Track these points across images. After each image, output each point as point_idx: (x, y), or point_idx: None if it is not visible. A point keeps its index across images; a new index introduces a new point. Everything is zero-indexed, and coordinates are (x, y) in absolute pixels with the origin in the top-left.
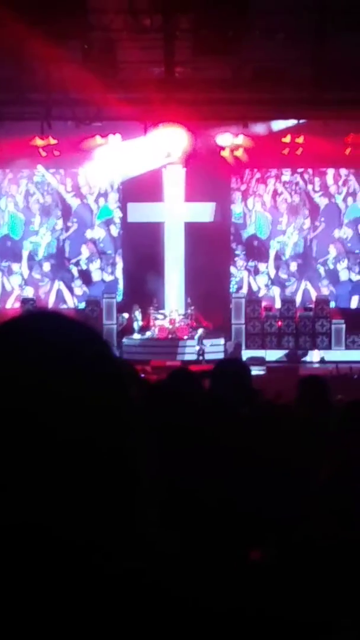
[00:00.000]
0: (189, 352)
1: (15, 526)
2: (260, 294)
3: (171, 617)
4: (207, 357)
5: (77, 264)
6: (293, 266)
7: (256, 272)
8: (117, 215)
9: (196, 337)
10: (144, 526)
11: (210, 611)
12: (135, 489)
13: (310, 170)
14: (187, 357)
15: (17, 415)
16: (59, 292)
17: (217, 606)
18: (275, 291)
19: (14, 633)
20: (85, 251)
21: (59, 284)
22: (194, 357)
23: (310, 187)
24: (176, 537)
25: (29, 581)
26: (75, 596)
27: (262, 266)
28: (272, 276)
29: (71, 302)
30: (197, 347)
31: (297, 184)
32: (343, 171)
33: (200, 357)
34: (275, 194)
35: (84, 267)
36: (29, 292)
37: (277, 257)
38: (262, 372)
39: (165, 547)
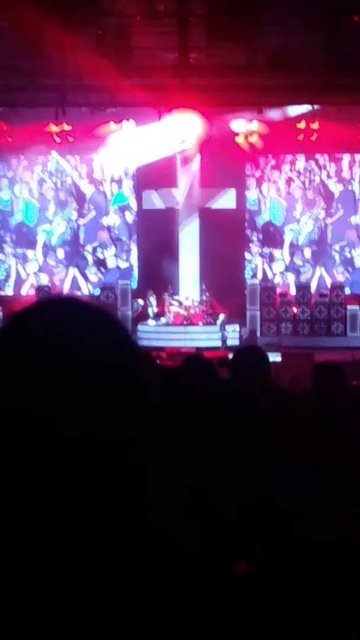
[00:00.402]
0: (204, 338)
1: (29, 527)
2: (275, 281)
3: (187, 613)
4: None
5: (92, 250)
6: (308, 252)
7: (271, 258)
8: (132, 201)
9: (218, 323)
10: (159, 520)
11: (226, 610)
12: (149, 480)
13: (325, 156)
14: (202, 344)
15: (37, 404)
16: (73, 279)
17: (232, 604)
18: (290, 278)
19: (29, 631)
20: (100, 237)
21: (73, 271)
22: (209, 343)
23: (325, 173)
24: (192, 529)
25: (43, 580)
26: (86, 594)
27: (277, 253)
28: (287, 263)
29: (86, 289)
30: (220, 334)
31: (311, 171)
32: (358, 157)
33: (223, 344)
34: (290, 180)
35: (99, 254)
36: (43, 279)
37: (292, 243)
38: (278, 359)
39: (180, 540)
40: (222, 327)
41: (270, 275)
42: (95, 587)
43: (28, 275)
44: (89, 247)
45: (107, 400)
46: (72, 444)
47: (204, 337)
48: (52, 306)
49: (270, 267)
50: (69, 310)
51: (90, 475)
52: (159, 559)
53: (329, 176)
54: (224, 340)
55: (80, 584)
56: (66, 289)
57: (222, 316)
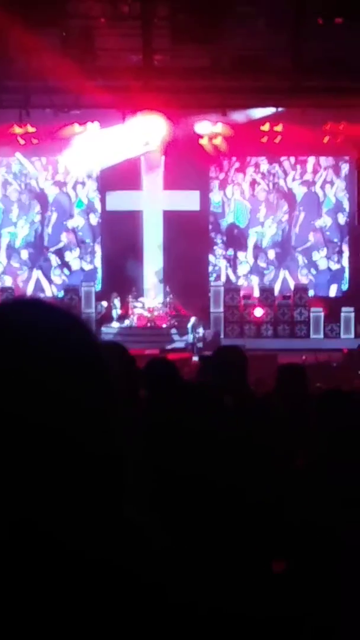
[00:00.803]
0: (168, 340)
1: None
2: (239, 283)
3: (160, 614)
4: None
5: (56, 252)
6: (271, 254)
7: (235, 260)
8: (96, 203)
9: (189, 325)
10: (123, 514)
11: (201, 610)
12: (119, 478)
13: (291, 159)
14: (167, 346)
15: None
16: (37, 281)
17: (209, 605)
18: (254, 280)
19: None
20: (64, 239)
21: (37, 273)
22: (172, 345)
23: (290, 176)
24: (163, 525)
25: (16, 578)
26: (59, 592)
27: (241, 255)
28: (251, 265)
29: (49, 291)
30: (191, 335)
31: (275, 173)
32: (322, 160)
33: (199, 345)
34: (254, 182)
35: (64, 255)
36: (7, 281)
37: (256, 245)
38: None
39: (146, 533)
40: (194, 330)
41: (233, 278)
42: (62, 579)
43: None
44: (53, 249)
45: (70, 397)
46: (35, 439)
47: (168, 339)
48: (15, 307)
49: (234, 270)
50: (32, 311)
51: (52, 470)
52: (123, 552)
53: (293, 179)
54: (194, 342)
55: (44, 576)
56: (29, 291)
57: (193, 319)
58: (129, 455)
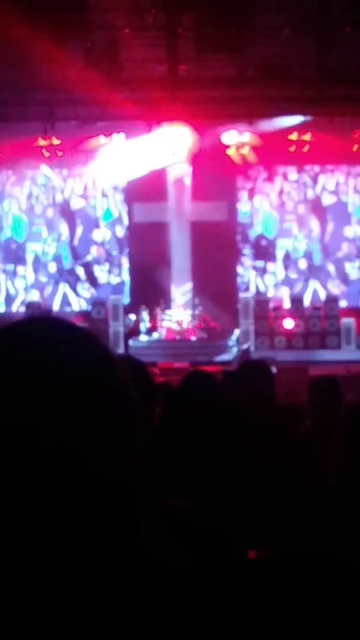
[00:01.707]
0: (197, 353)
1: (11, 551)
2: (269, 294)
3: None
4: (219, 358)
5: (83, 265)
6: (302, 265)
7: (264, 271)
8: (123, 215)
9: (234, 338)
10: (145, 539)
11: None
12: (133, 497)
13: (317, 168)
14: (195, 359)
15: (8, 426)
16: (64, 295)
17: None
18: (284, 291)
19: None
20: (94, 253)
21: (64, 287)
22: (201, 358)
23: (319, 186)
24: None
25: (17, 607)
26: (67, 624)
27: (270, 265)
28: (281, 275)
29: (77, 305)
30: (235, 349)
31: (304, 183)
32: (351, 169)
33: (240, 359)
34: (282, 192)
35: (91, 269)
36: (34, 296)
37: (286, 256)
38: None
39: (170, 560)
40: (239, 342)
41: (262, 289)
42: (78, 615)
43: (17, 291)
44: (80, 263)
45: (87, 417)
46: (50, 458)
47: (197, 352)
48: (30, 324)
49: (263, 280)
50: (47, 328)
51: (68, 492)
52: (147, 582)
53: (322, 188)
54: (240, 355)
55: (59, 611)
56: (56, 305)
57: (237, 331)
58: (149, 476)
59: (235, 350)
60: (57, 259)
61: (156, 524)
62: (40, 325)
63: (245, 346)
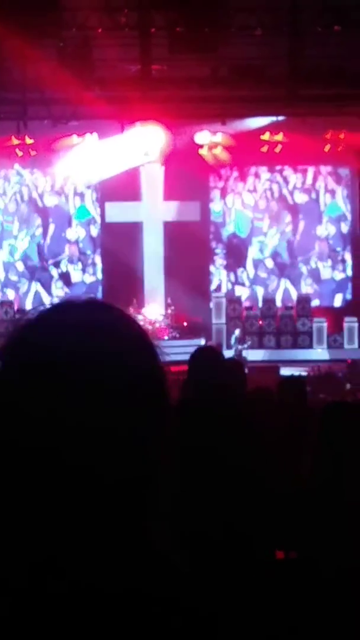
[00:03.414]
0: (169, 352)
1: (32, 556)
2: (240, 294)
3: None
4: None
5: (56, 265)
6: (271, 264)
7: (236, 270)
8: (96, 215)
9: (233, 337)
10: (157, 545)
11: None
12: (148, 504)
13: (289, 168)
14: (168, 358)
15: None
16: (36, 293)
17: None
18: (257, 290)
19: None
20: (67, 251)
21: (36, 286)
22: (174, 357)
23: (291, 185)
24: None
25: (44, 611)
26: (82, 621)
27: (241, 265)
28: (252, 275)
29: (49, 304)
30: (234, 348)
31: (276, 182)
32: (323, 168)
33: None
34: (254, 192)
35: (64, 268)
36: (9, 295)
37: (257, 256)
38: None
39: (177, 564)
40: (237, 342)
41: (235, 288)
42: (92, 614)
43: None
44: (52, 262)
45: (125, 435)
46: (74, 472)
47: (169, 351)
48: (77, 310)
49: (235, 280)
50: (98, 316)
51: (78, 501)
52: (158, 583)
53: (294, 187)
54: (238, 355)
55: (76, 610)
56: (29, 304)
57: (237, 331)
58: (158, 476)
59: (233, 351)
60: (28, 257)
61: (165, 523)
62: (82, 311)
63: (245, 345)
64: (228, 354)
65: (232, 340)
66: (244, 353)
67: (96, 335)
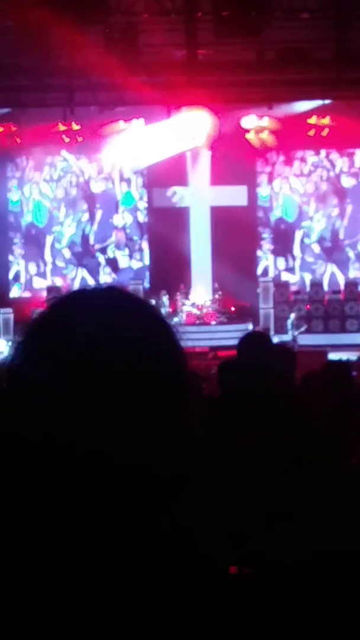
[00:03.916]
0: (217, 337)
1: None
2: (287, 278)
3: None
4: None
5: (103, 250)
6: (316, 249)
7: (284, 255)
8: (142, 201)
9: (289, 322)
10: (201, 546)
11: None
12: (186, 502)
13: (335, 152)
14: (216, 343)
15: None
16: (82, 279)
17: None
18: (304, 275)
19: None
20: (114, 238)
21: (82, 272)
22: (221, 342)
23: (337, 168)
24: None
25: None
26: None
27: (289, 249)
28: (299, 260)
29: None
30: (290, 332)
31: (323, 167)
32: None
33: (295, 343)
34: (301, 175)
35: (111, 254)
36: (54, 281)
37: (304, 240)
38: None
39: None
40: (294, 327)
41: (282, 273)
42: (140, 634)
43: (38, 275)
44: (99, 247)
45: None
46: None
47: (217, 337)
48: (93, 300)
49: (283, 264)
50: (110, 299)
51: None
52: (205, 592)
53: (341, 171)
54: (294, 339)
55: (121, 633)
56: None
57: (292, 316)
58: (195, 475)
59: (290, 334)
60: (76, 243)
61: (204, 519)
62: (101, 294)
63: (302, 329)
64: (280, 338)
65: (289, 325)
66: (299, 338)
67: (113, 319)
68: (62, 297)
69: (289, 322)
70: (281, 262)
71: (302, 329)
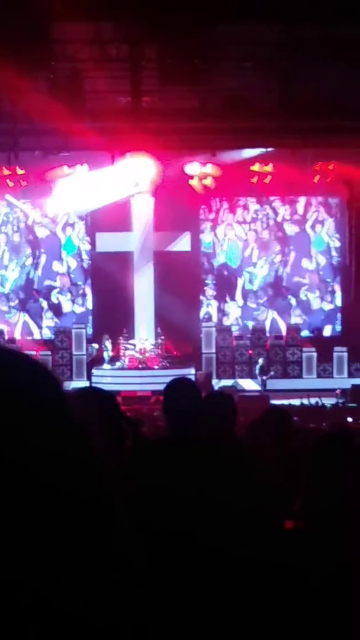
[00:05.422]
0: (159, 381)
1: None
2: (230, 323)
3: None
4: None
5: (46, 296)
6: (262, 295)
7: (226, 301)
8: (85, 246)
9: (257, 367)
10: (123, 572)
11: None
12: (108, 525)
13: (278, 199)
14: (158, 387)
15: None
16: (24, 324)
17: None
18: (246, 321)
19: None
20: (58, 282)
21: (24, 316)
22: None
23: (280, 216)
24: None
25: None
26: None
27: (231, 295)
28: (241, 305)
29: (38, 334)
30: (259, 379)
31: (266, 214)
32: (312, 199)
33: (263, 387)
34: (244, 223)
35: (54, 299)
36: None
37: (246, 286)
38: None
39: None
40: (262, 372)
41: (225, 318)
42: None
43: None
44: (43, 292)
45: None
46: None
47: (160, 381)
48: None
49: (225, 309)
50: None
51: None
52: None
53: (283, 218)
54: (263, 384)
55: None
56: (18, 334)
57: (261, 360)
58: (118, 501)
59: (259, 380)
60: (19, 288)
61: (129, 538)
62: None
63: (271, 373)
64: (222, 383)
65: (256, 371)
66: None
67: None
68: None
69: (257, 367)
70: (224, 308)
71: (271, 373)
